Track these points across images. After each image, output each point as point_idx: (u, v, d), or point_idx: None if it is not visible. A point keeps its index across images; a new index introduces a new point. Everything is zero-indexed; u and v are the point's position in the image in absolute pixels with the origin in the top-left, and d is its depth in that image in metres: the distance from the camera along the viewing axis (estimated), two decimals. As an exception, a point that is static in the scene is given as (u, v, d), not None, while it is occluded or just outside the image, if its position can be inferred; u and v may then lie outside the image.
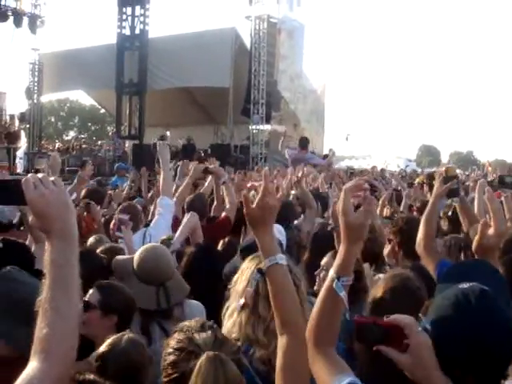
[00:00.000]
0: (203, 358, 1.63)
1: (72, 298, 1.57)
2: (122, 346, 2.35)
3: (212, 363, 1.61)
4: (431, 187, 6.89)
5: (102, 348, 2.35)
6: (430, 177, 7.82)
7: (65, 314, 1.54)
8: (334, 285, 1.69)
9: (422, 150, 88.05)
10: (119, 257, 3.57)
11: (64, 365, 1.53)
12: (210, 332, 1.75)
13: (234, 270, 3.27)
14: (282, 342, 1.91)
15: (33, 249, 3.38)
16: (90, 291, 2.92)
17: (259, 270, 2.13)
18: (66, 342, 1.53)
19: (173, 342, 1.77)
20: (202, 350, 1.68)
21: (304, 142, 16.06)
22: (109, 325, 2.88)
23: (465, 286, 1.63)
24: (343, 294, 1.67)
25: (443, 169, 4.41)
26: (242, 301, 2.13)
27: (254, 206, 1.95)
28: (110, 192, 8.20)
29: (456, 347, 1.52)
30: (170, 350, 1.74)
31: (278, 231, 2.78)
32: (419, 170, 26.35)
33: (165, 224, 4.75)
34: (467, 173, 30.21)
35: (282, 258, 1.95)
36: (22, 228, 4.26)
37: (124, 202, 7.37)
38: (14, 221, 4.60)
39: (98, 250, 3.90)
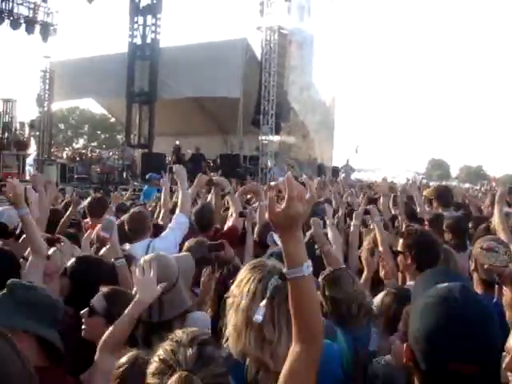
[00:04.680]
0: (175, 377, 1.60)
1: None
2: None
3: None
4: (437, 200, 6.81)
5: (119, 369, 2.21)
6: (436, 191, 7.55)
7: None
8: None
9: (431, 164, 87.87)
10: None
11: None
12: (196, 348, 1.68)
13: None
14: (296, 349, 1.73)
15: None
16: (97, 296, 2.86)
17: (281, 277, 1.87)
18: None
19: (160, 350, 1.73)
20: (180, 366, 1.64)
21: None
22: None
23: (443, 285, 1.69)
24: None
25: None
26: (260, 318, 1.94)
27: (278, 210, 1.71)
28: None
29: (453, 340, 1.54)
30: (155, 359, 1.71)
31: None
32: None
33: (173, 239, 4.80)
34: (477, 187, 30.08)
35: (308, 267, 1.72)
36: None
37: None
38: (18, 230, 4.51)
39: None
